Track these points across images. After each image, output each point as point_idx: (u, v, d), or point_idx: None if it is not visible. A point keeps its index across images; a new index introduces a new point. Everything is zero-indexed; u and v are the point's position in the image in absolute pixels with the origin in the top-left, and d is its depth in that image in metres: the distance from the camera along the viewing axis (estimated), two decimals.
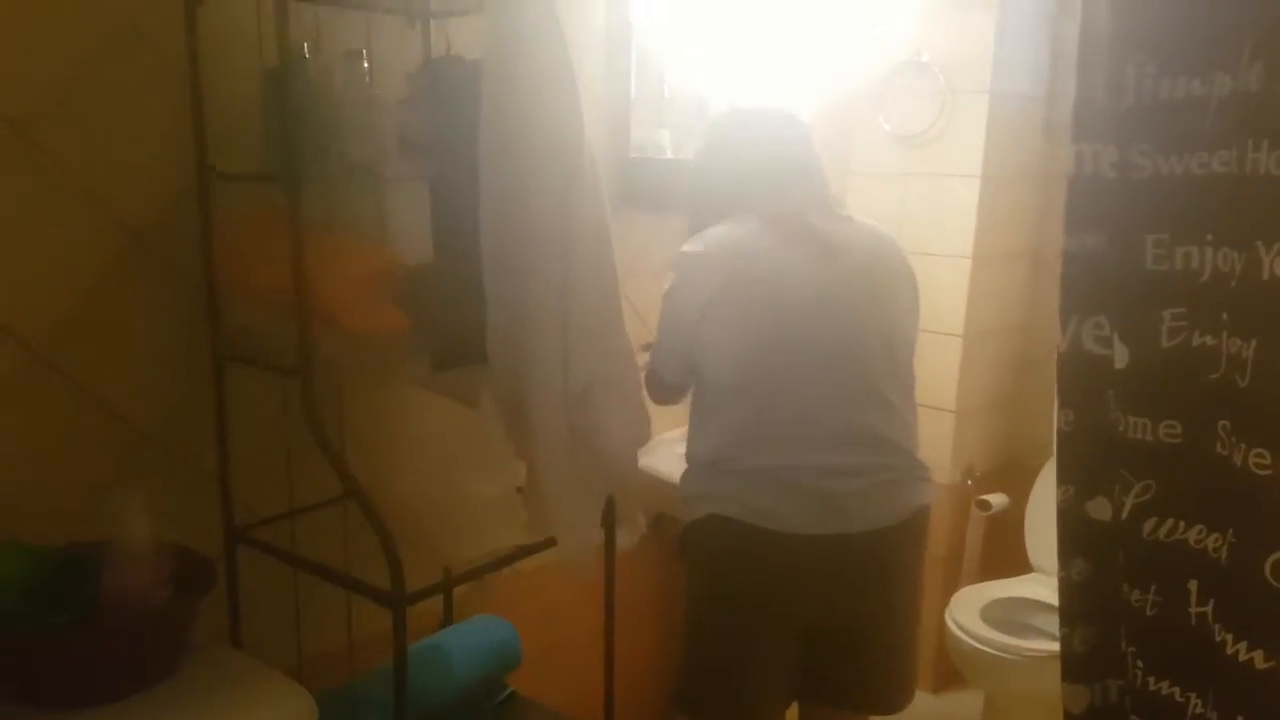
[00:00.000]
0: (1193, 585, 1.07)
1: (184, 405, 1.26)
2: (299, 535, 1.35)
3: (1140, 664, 1.13)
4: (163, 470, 1.26)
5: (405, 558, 1.14)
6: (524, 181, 1.16)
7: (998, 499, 2.41)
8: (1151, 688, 1.12)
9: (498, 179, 1.16)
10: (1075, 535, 1.17)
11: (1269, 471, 0.95)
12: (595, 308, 1.25)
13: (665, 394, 1.56)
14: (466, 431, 1.36)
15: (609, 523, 1.41)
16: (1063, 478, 1.17)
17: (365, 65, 1.20)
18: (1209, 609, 1.05)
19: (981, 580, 2.36)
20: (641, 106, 1.92)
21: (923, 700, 2.37)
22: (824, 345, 1.37)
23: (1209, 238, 1.03)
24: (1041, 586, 2.21)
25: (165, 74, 1.17)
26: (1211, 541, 1.05)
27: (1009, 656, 2.02)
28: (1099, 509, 1.15)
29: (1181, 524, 1.08)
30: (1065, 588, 1.19)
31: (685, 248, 1.42)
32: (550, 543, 1.31)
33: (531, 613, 1.66)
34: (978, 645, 2.05)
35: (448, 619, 1.57)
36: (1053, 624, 1.24)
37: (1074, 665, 1.21)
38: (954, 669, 2.27)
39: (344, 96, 1.18)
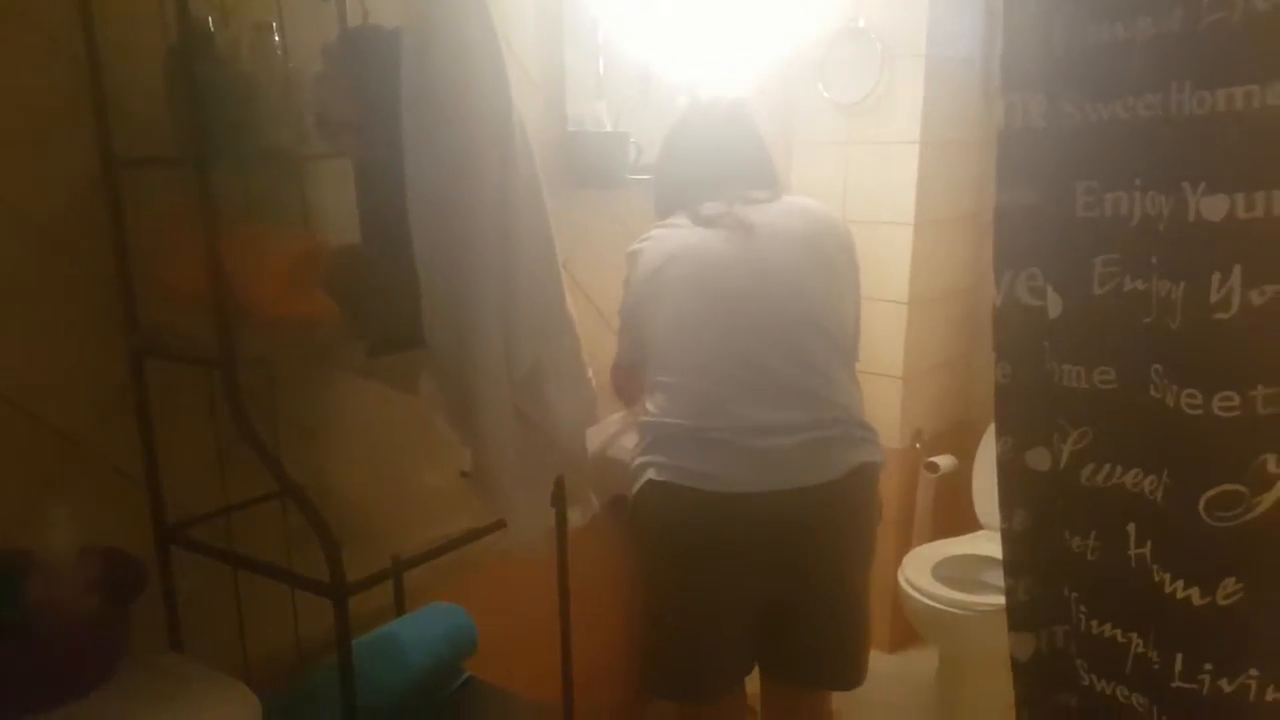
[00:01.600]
0: (1131, 528, 1.09)
1: (107, 403, 1.20)
2: (236, 532, 1.31)
3: (1083, 609, 1.15)
4: (88, 472, 1.20)
5: (351, 550, 1.10)
6: (452, 155, 1.12)
7: (945, 460, 2.45)
8: (1095, 631, 1.14)
9: (424, 153, 1.12)
10: (1016, 486, 1.18)
11: (1200, 411, 0.97)
12: (536, 287, 1.22)
13: (628, 382, 1.66)
14: (407, 418, 1.33)
15: (560, 503, 1.39)
16: (1002, 430, 1.18)
17: (276, 39, 1.15)
18: (1147, 550, 1.06)
19: (933, 541, 2.40)
20: (577, 79, 1.88)
21: (879, 660, 2.40)
22: (745, 317, 1.47)
23: (1137, 182, 1.03)
24: (990, 543, 2.25)
25: (60, 56, 1.11)
26: (1148, 484, 1.06)
27: (961, 612, 2.05)
28: (1038, 459, 1.16)
29: (1118, 468, 1.10)
30: (1008, 539, 1.20)
31: (630, 248, 1.58)
32: (499, 525, 1.28)
33: (490, 598, 1.64)
34: (930, 602, 2.09)
35: (400, 609, 1.54)
36: (1002, 578, 1.25)
37: (1019, 614, 1.22)
38: (909, 629, 2.31)
39: (255, 72, 1.12)
